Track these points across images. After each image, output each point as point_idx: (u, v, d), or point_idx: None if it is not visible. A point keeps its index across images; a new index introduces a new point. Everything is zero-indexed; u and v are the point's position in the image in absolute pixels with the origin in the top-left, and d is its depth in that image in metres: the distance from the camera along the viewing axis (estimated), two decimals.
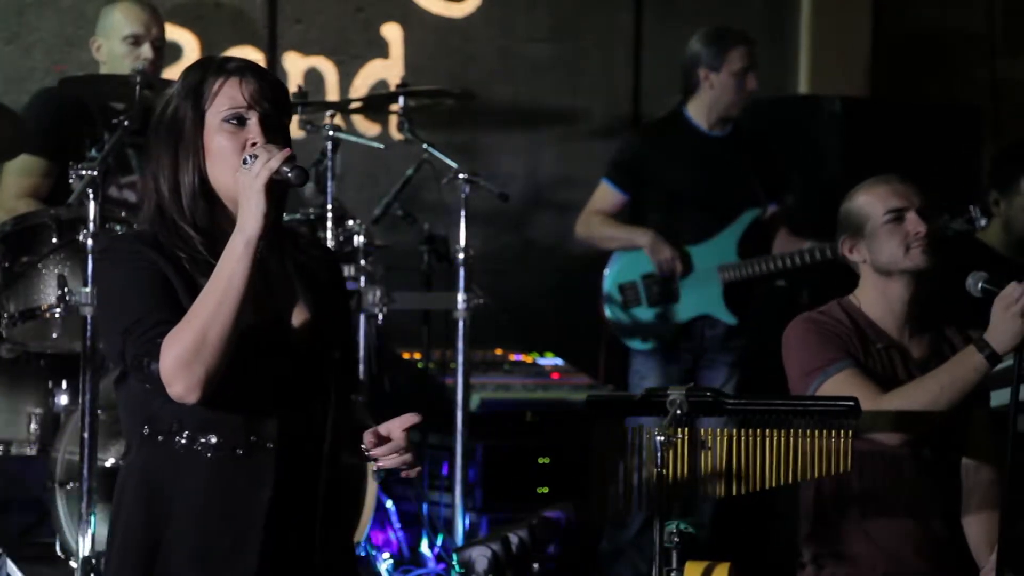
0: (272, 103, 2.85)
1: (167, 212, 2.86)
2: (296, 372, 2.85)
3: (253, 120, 2.82)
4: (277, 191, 2.75)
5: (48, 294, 4.59)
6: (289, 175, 2.74)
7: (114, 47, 5.20)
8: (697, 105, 5.83)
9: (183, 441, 2.81)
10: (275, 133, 2.83)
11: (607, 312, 5.80)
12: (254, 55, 6.40)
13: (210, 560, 2.81)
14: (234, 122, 2.82)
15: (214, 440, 2.81)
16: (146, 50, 5.16)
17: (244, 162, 2.76)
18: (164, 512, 2.82)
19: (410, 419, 2.88)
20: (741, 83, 5.78)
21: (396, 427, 2.89)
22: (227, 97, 2.84)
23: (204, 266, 2.80)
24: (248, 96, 2.83)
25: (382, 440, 2.88)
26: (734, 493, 3.47)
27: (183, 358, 2.70)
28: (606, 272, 5.82)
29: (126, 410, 2.90)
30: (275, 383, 2.83)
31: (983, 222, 5.28)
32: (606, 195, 5.86)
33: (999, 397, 3.82)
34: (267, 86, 2.86)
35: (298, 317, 2.88)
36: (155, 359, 2.73)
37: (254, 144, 2.80)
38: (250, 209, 2.72)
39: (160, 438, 2.82)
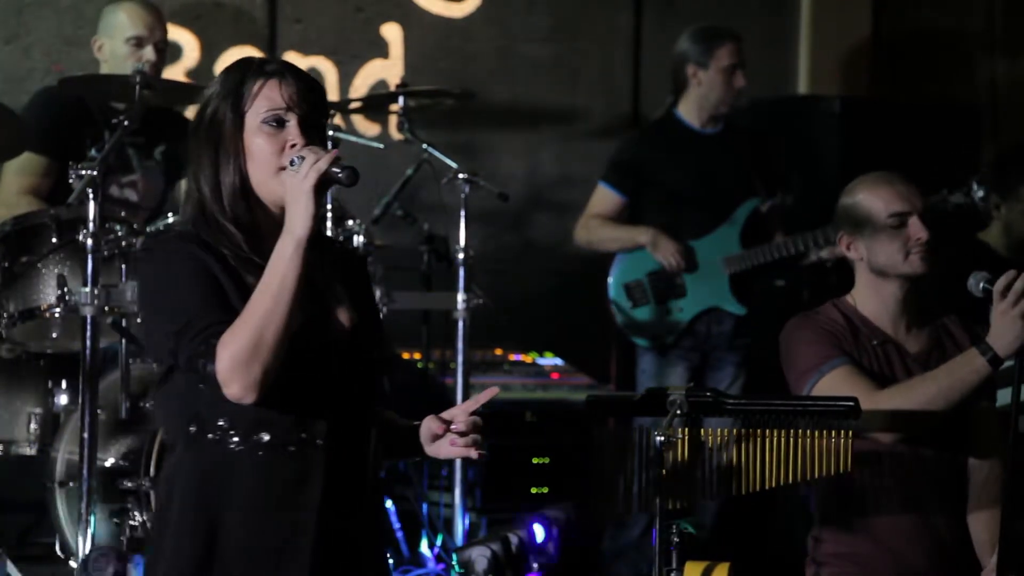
0: (310, 104, 2.89)
1: (209, 212, 2.89)
2: (342, 370, 2.88)
3: (292, 122, 2.86)
4: (324, 192, 2.79)
5: (48, 294, 4.59)
6: (340, 175, 2.78)
7: (116, 48, 5.20)
8: (687, 104, 5.85)
9: (235, 440, 2.83)
10: (313, 134, 2.87)
11: (617, 316, 5.80)
12: (254, 55, 6.40)
13: (264, 557, 2.83)
14: (273, 123, 2.86)
15: (266, 438, 2.83)
16: (148, 52, 5.15)
17: (291, 164, 2.80)
18: (216, 511, 2.84)
19: (472, 405, 2.93)
20: (729, 80, 5.79)
21: (460, 412, 2.95)
22: (266, 99, 2.87)
23: (249, 265, 2.84)
24: (287, 98, 2.87)
25: (446, 426, 2.94)
26: (734, 493, 3.47)
27: (240, 358, 2.73)
28: (611, 277, 5.83)
29: (170, 409, 2.91)
30: (323, 381, 2.85)
31: (981, 194, 5.29)
32: (604, 198, 5.87)
33: (1004, 396, 3.82)
34: (305, 87, 2.90)
35: (342, 316, 2.91)
36: (211, 360, 2.75)
37: (293, 146, 2.84)
38: (299, 210, 2.76)
39: (210, 436, 2.84)
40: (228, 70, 2.94)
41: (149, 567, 2.92)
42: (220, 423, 2.83)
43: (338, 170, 2.78)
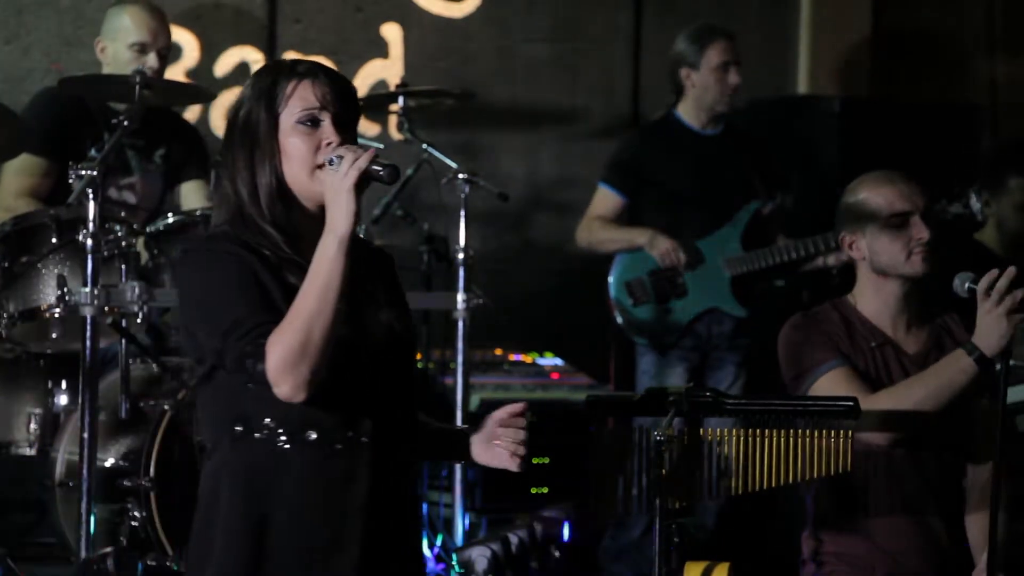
0: (344, 103, 2.91)
1: (247, 214, 2.91)
2: (384, 368, 2.90)
3: (327, 121, 2.89)
4: (363, 190, 2.81)
5: (48, 294, 4.59)
6: (381, 173, 2.81)
7: (119, 52, 5.18)
8: (686, 105, 5.85)
9: (283, 438, 2.85)
10: (347, 133, 2.89)
11: (617, 315, 5.80)
12: (254, 55, 6.41)
13: (313, 555, 2.85)
14: (308, 123, 2.89)
15: (313, 436, 2.85)
16: (151, 59, 5.14)
17: (330, 163, 2.82)
18: (265, 510, 2.86)
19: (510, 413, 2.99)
20: (723, 78, 5.79)
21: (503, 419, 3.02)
22: (300, 99, 2.90)
23: (290, 264, 2.86)
24: (321, 97, 2.90)
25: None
26: (734, 493, 3.47)
27: (290, 359, 2.75)
28: (611, 276, 5.82)
29: (213, 408, 2.93)
30: (366, 379, 2.87)
31: (978, 205, 5.29)
32: (605, 199, 5.87)
33: (1015, 394, 3.83)
34: (338, 87, 2.93)
35: (381, 315, 2.93)
36: (260, 360, 2.77)
37: (329, 144, 2.86)
38: (340, 209, 2.78)
39: (257, 436, 2.86)
40: (260, 72, 2.98)
41: (194, 567, 2.93)
42: (267, 422, 2.85)
43: (379, 168, 2.81)
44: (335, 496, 2.86)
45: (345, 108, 2.91)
